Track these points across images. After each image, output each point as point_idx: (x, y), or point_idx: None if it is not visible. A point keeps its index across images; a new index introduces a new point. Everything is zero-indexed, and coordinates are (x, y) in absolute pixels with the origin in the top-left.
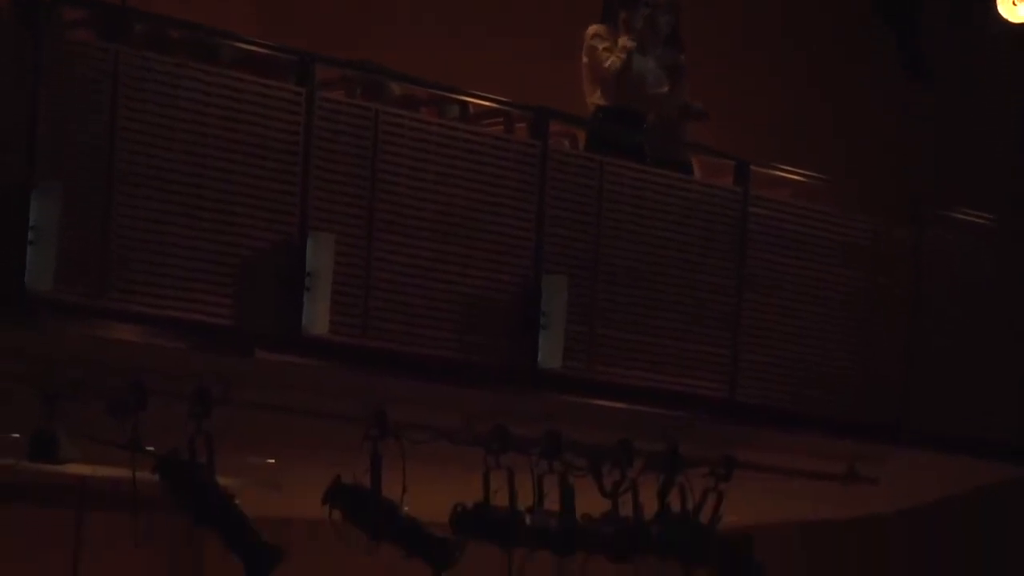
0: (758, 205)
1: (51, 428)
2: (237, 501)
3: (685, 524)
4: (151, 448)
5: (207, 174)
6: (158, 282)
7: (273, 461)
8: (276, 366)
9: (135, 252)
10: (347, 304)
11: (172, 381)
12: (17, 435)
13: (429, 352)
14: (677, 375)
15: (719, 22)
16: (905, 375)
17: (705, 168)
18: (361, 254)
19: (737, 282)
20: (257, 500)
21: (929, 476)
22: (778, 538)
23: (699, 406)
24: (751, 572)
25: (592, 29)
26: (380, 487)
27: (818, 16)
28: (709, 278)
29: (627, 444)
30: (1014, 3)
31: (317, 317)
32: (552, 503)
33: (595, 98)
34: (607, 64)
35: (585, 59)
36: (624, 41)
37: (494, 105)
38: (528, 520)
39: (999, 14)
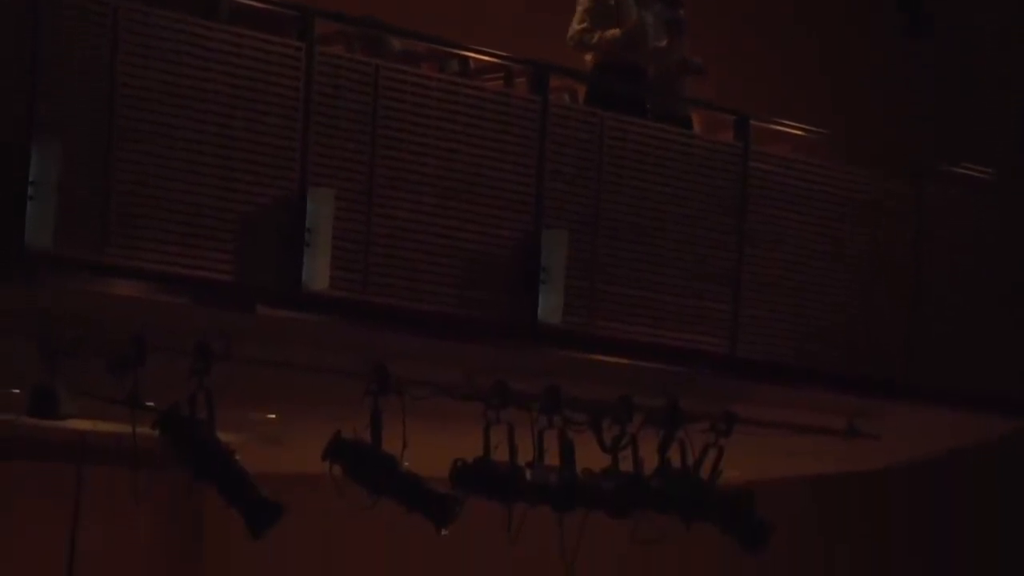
0: (759, 160)
1: (51, 384)
2: (237, 457)
3: (685, 480)
4: (151, 404)
5: (207, 130)
6: (158, 238)
7: (274, 417)
8: (277, 322)
9: (135, 208)
10: (347, 260)
11: (173, 337)
12: (17, 391)
13: (429, 307)
14: (678, 330)
15: None
16: (907, 330)
17: (705, 124)
18: (361, 209)
19: (738, 237)
20: (257, 456)
21: (931, 431)
22: (786, 494)
23: (700, 361)
24: (752, 527)
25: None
26: (380, 442)
27: None
28: (710, 233)
29: (627, 400)
30: None
31: (317, 273)
32: (552, 458)
33: (594, 46)
34: (608, 35)
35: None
36: (613, 32)
37: (494, 60)
38: (528, 475)
39: None
